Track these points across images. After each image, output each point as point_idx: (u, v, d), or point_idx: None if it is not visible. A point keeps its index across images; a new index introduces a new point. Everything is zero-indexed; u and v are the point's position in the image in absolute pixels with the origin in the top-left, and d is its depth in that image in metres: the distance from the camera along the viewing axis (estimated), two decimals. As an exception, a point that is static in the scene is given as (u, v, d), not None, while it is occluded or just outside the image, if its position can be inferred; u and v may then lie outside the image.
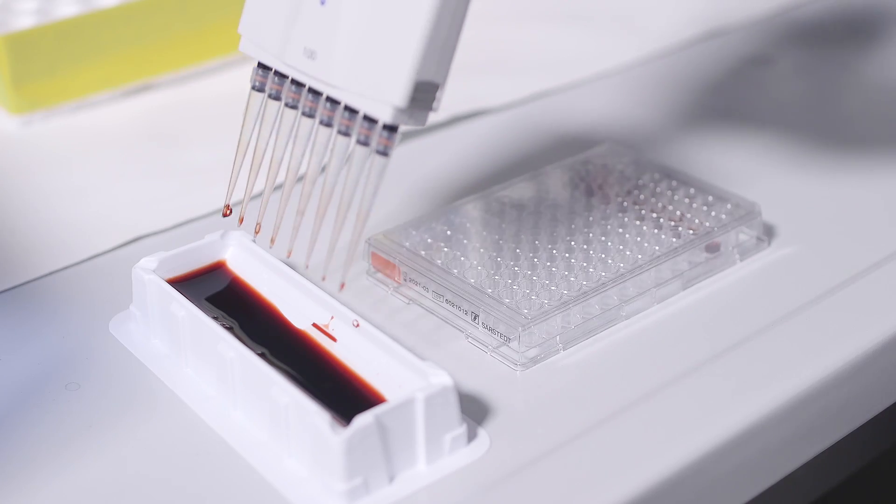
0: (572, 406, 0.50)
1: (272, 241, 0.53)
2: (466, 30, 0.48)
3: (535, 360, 0.52)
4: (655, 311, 0.56)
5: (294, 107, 0.50)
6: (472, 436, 0.48)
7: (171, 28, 0.76)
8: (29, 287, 0.59)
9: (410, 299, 0.56)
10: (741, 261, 0.59)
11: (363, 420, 0.45)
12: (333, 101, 0.49)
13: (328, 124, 0.49)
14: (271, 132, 0.51)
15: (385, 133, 0.48)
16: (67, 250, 0.61)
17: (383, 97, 0.46)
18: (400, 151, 0.70)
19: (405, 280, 0.57)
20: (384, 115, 0.47)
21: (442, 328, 0.55)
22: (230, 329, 0.51)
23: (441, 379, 0.47)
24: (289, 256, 0.52)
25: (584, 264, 0.56)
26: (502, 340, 0.53)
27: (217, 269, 0.56)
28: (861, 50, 0.81)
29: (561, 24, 0.86)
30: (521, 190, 0.62)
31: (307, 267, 0.52)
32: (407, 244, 0.57)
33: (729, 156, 0.69)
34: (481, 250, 0.57)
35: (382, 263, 0.57)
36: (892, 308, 0.56)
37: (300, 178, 0.51)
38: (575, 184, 0.63)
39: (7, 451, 0.48)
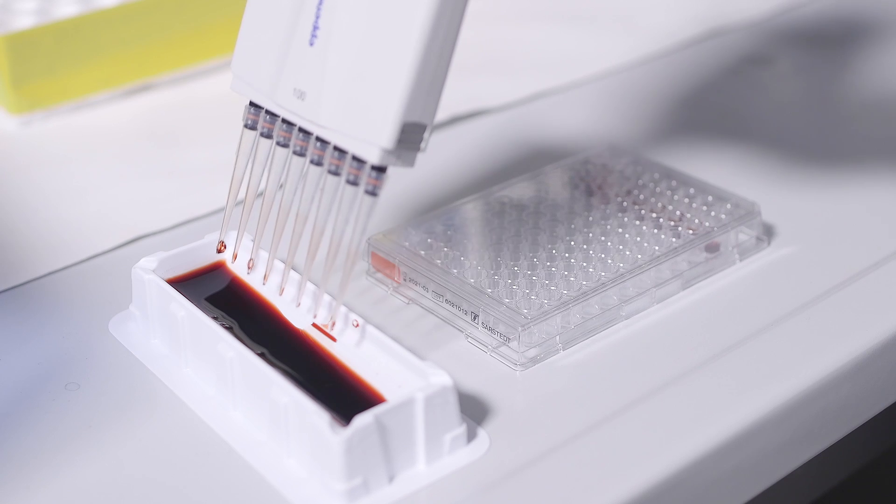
0: (572, 406, 0.50)
1: (265, 277, 0.53)
2: (466, 30, 0.48)
3: (534, 360, 0.52)
4: (655, 311, 0.56)
5: (286, 145, 0.51)
6: (471, 436, 0.48)
7: (171, 28, 0.76)
8: (29, 287, 0.59)
9: (410, 299, 0.56)
10: (741, 261, 0.59)
11: (363, 420, 0.45)
12: (324, 141, 0.49)
13: (318, 163, 0.49)
14: (263, 170, 0.52)
15: (374, 173, 0.48)
16: (67, 250, 0.61)
17: (371, 138, 0.47)
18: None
19: (405, 280, 0.57)
20: (372, 157, 0.47)
21: (442, 328, 0.55)
22: (230, 329, 0.51)
23: (441, 379, 0.47)
24: (281, 294, 0.52)
25: (584, 264, 0.56)
26: (502, 340, 0.53)
27: (217, 269, 0.56)
28: (861, 50, 0.81)
29: (561, 24, 0.86)
30: (521, 190, 0.62)
31: (298, 305, 0.52)
32: (406, 244, 0.57)
33: (729, 156, 0.69)
34: (481, 250, 0.57)
35: (382, 263, 0.57)
36: (891, 308, 0.56)
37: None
38: (575, 184, 0.63)
39: (7, 450, 0.48)
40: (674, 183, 0.62)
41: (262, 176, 0.52)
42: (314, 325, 0.52)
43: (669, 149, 0.69)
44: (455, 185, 0.66)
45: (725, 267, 0.58)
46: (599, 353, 0.53)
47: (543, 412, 0.50)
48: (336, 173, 0.49)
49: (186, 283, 0.54)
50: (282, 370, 0.49)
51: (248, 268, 0.54)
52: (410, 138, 0.47)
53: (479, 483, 0.46)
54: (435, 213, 0.60)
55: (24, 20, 0.73)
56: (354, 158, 0.48)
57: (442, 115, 0.72)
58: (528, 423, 0.50)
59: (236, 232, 0.54)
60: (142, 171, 0.69)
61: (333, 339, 0.51)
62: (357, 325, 0.50)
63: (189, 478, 0.47)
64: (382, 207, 0.63)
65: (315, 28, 0.48)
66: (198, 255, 0.55)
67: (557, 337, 0.53)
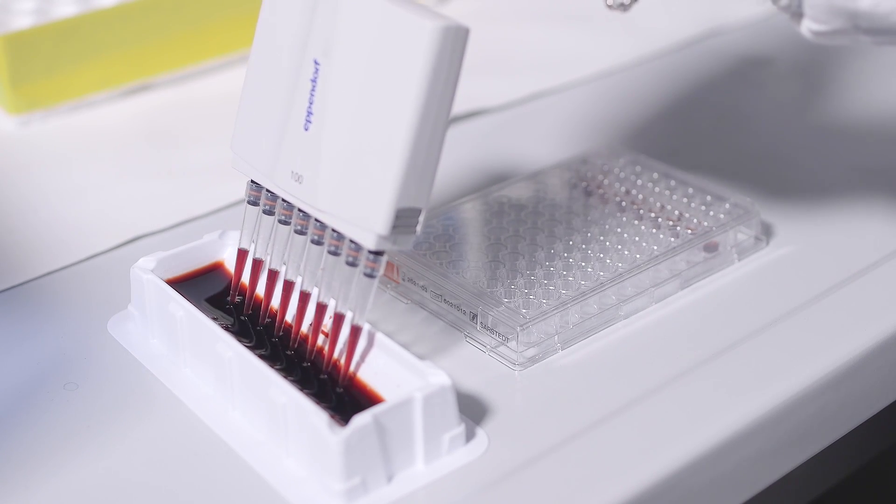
0: (570, 406, 0.50)
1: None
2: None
3: (533, 360, 0.52)
4: (654, 311, 0.56)
5: (287, 223, 0.51)
6: (470, 435, 0.48)
7: (170, 28, 0.76)
8: (27, 287, 0.59)
9: (409, 299, 0.56)
10: (739, 260, 0.59)
11: (361, 420, 0.45)
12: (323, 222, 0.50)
13: (319, 243, 0.50)
14: (268, 245, 0.52)
15: (371, 257, 0.48)
16: (66, 250, 0.61)
17: (366, 225, 0.47)
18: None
19: (404, 280, 0.57)
20: (368, 243, 0.47)
21: (441, 328, 0.55)
22: (227, 328, 0.51)
23: (439, 378, 0.47)
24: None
25: (583, 264, 0.56)
26: (501, 340, 0.53)
27: (215, 270, 0.56)
28: (860, 50, 0.81)
29: (561, 24, 0.86)
30: (520, 190, 0.62)
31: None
32: (405, 244, 0.57)
33: (728, 155, 0.69)
34: (480, 250, 0.57)
35: (381, 263, 0.57)
36: (890, 308, 0.55)
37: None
38: (574, 184, 0.63)
39: (6, 450, 0.48)
40: (672, 183, 0.62)
41: (265, 252, 0.52)
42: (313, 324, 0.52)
43: (668, 149, 0.69)
44: (454, 184, 0.66)
45: (724, 266, 0.58)
46: (598, 352, 0.53)
47: (542, 412, 0.50)
48: (336, 253, 0.49)
49: (185, 284, 0.54)
50: (280, 370, 0.49)
51: None
52: (406, 222, 0.47)
53: (478, 483, 0.46)
54: (434, 212, 0.60)
55: (22, 20, 0.72)
56: (353, 241, 0.48)
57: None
58: (527, 422, 0.50)
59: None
60: (140, 170, 0.69)
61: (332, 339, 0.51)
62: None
63: (188, 478, 0.47)
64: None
65: (309, 113, 0.48)
66: (196, 255, 0.55)
67: (556, 337, 0.53)
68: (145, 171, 0.69)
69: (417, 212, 0.48)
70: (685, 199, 0.61)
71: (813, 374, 0.51)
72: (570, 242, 0.57)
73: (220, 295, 0.54)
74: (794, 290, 0.57)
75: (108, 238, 0.62)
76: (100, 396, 0.51)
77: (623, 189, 0.62)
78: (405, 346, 0.49)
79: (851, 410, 0.54)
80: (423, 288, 0.56)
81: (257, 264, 0.53)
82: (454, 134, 0.71)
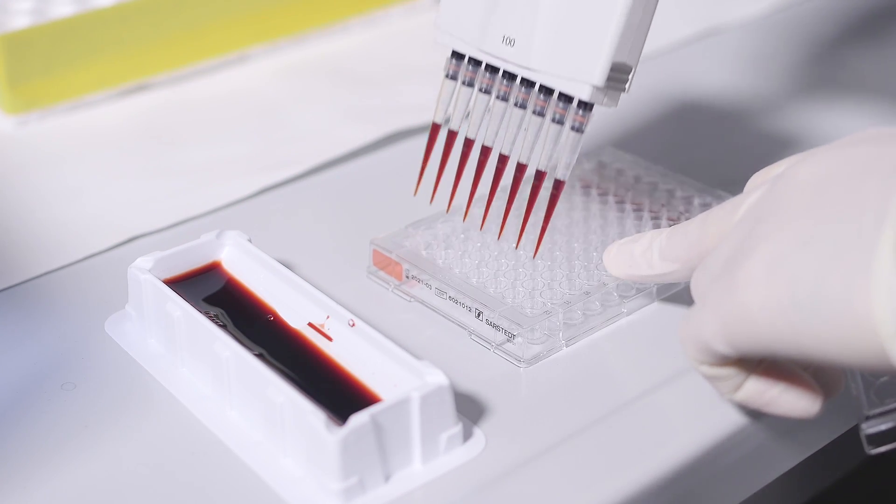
0: (573, 404, 0.50)
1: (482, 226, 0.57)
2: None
3: (538, 357, 0.52)
4: (657, 308, 0.56)
5: (488, 91, 0.54)
6: (468, 435, 0.48)
7: (167, 28, 0.76)
8: (25, 287, 0.58)
9: (412, 297, 0.56)
10: (739, 259, 0.59)
11: (359, 419, 0.44)
12: (528, 85, 0.52)
13: (522, 106, 0.52)
14: (463, 117, 0.55)
15: (580, 110, 0.51)
16: (63, 250, 0.61)
17: (581, 77, 0.50)
18: (399, 151, 0.70)
19: (407, 277, 0.57)
20: (582, 94, 0.50)
21: (444, 326, 0.55)
22: (225, 328, 0.51)
23: (436, 378, 0.46)
24: (499, 239, 0.56)
25: (586, 262, 0.56)
26: (506, 337, 0.53)
27: (213, 269, 0.56)
28: (861, 50, 0.81)
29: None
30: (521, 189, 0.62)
31: (499, 237, 0.56)
32: (409, 243, 0.57)
33: (728, 155, 0.69)
34: (483, 249, 0.57)
35: (384, 262, 0.57)
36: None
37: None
38: (573, 183, 0.63)
39: (4, 451, 0.48)
40: (672, 183, 0.62)
41: (461, 122, 0.55)
42: (310, 324, 0.52)
43: (669, 149, 0.69)
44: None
45: (723, 266, 0.58)
46: (601, 350, 0.53)
47: (546, 409, 0.50)
48: (541, 114, 0.52)
49: (182, 283, 0.54)
50: (278, 370, 0.49)
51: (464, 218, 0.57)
52: (618, 77, 0.50)
53: (475, 482, 0.46)
54: (436, 213, 0.60)
55: (20, 20, 0.72)
56: (561, 98, 0.51)
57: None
58: (527, 421, 0.50)
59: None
60: (138, 171, 0.69)
61: (329, 339, 0.51)
62: (353, 325, 0.50)
63: (185, 477, 0.47)
64: (383, 208, 0.63)
65: None
66: (194, 256, 0.55)
67: (560, 334, 0.53)
68: (143, 171, 0.69)
69: (629, 69, 0.50)
70: (685, 199, 0.61)
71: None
72: (573, 241, 0.57)
73: (217, 295, 0.54)
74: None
75: (106, 238, 0.62)
76: (97, 396, 0.51)
77: (623, 189, 0.62)
78: (408, 344, 0.49)
79: (853, 405, 0.54)
80: (428, 285, 0.56)
81: (452, 135, 0.56)
82: (452, 133, 0.71)
